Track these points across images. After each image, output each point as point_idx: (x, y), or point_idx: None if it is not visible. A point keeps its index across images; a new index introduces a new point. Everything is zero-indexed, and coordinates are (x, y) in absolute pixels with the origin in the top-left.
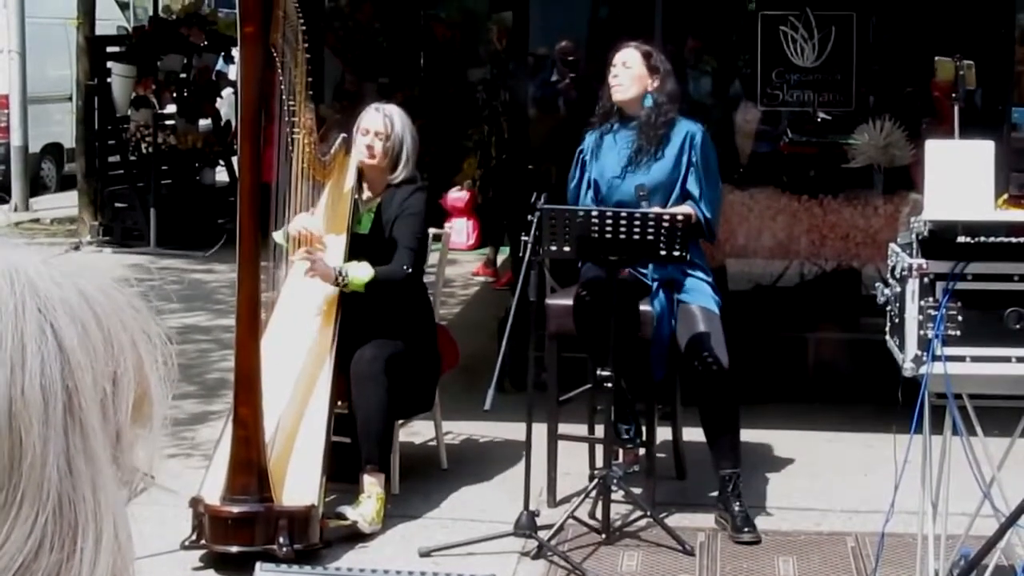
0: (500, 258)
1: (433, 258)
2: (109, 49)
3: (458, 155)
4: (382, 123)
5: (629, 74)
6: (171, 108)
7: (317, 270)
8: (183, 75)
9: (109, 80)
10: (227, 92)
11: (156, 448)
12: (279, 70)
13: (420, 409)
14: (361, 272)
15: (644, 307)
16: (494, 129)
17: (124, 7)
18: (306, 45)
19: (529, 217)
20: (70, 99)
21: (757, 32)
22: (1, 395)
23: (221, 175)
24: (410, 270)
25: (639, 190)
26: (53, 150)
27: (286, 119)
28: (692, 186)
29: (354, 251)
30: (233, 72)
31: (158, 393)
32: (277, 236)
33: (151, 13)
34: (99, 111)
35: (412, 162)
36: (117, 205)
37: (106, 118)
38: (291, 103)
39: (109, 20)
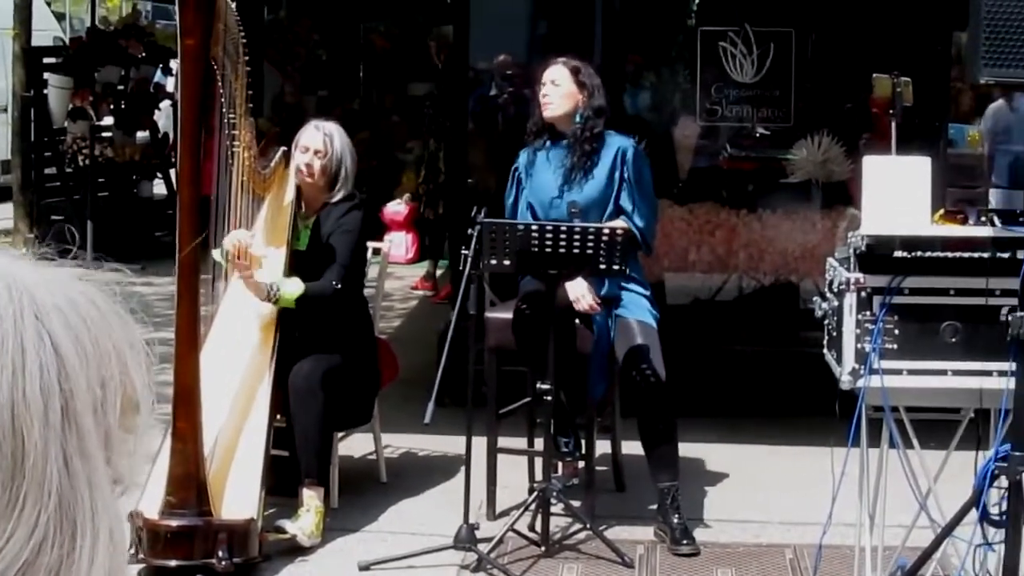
0: (439, 272)
1: (372, 272)
2: (46, 60)
3: (397, 169)
4: (321, 142)
5: (558, 91)
6: (108, 120)
7: (249, 285)
8: (121, 87)
9: (46, 91)
10: (165, 104)
11: (140, 451)
12: (219, 83)
13: (359, 422)
14: (291, 287)
15: (582, 321)
16: (435, 143)
17: (60, 18)
18: (247, 58)
19: (469, 231)
20: (5, 110)
21: (697, 48)
22: (4, 397)
23: (159, 188)
24: (339, 286)
25: (571, 207)
26: None
27: (226, 132)
28: (625, 201)
29: (293, 267)
30: (171, 84)
31: (142, 398)
32: (216, 254)
33: (88, 24)
34: (35, 123)
35: (351, 180)
36: (53, 217)
37: (43, 130)
38: (231, 116)
39: (45, 31)
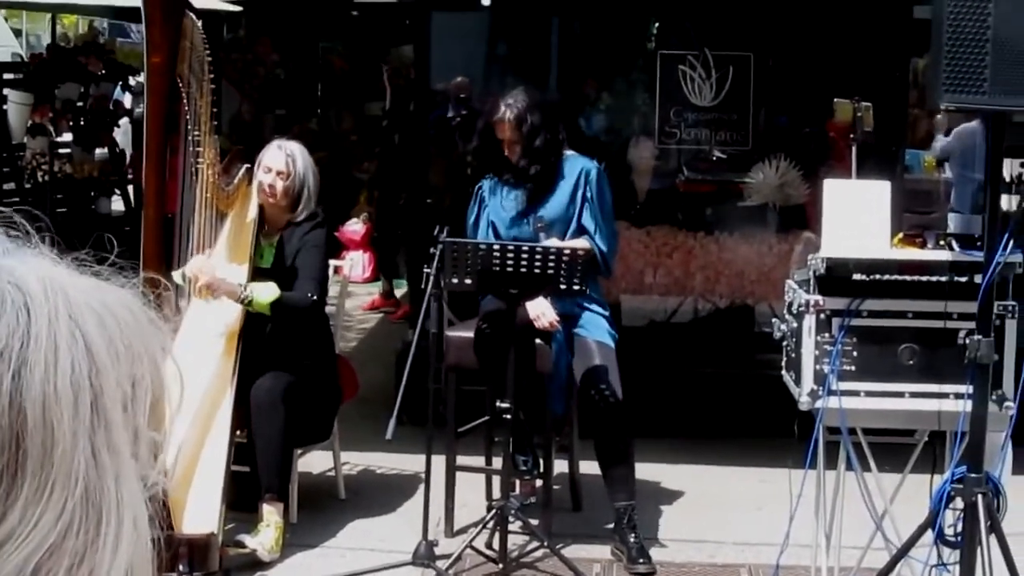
0: (398, 292)
1: (333, 290)
2: (5, 76)
3: (354, 188)
4: (284, 162)
5: (512, 144)
6: (67, 136)
7: (221, 289)
8: (80, 103)
9: (5, 107)
10: (124, 121)
11: (165, 451)
12: (184, 100)
13: (318, 438)
14: (266, 292)
15: (542, 341)
16: (392, 163)
17: (17, 34)
18: (212, 76)
19: (431, 250)
20: None
21: (656, 71)
22: (37, 390)
23: (117, 204)
24: (315, 297)
25: (537, 222)
26: None
27: (191, 149)
28: (587, 221)
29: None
30: (130, 101)
31: (170, 400)
32: (176, 276)
33: (47, 40)
34: None
35: (313, 199)
36: (11, 233)
37: (1, 145)
38: (196, 133)
39: (4, 46)
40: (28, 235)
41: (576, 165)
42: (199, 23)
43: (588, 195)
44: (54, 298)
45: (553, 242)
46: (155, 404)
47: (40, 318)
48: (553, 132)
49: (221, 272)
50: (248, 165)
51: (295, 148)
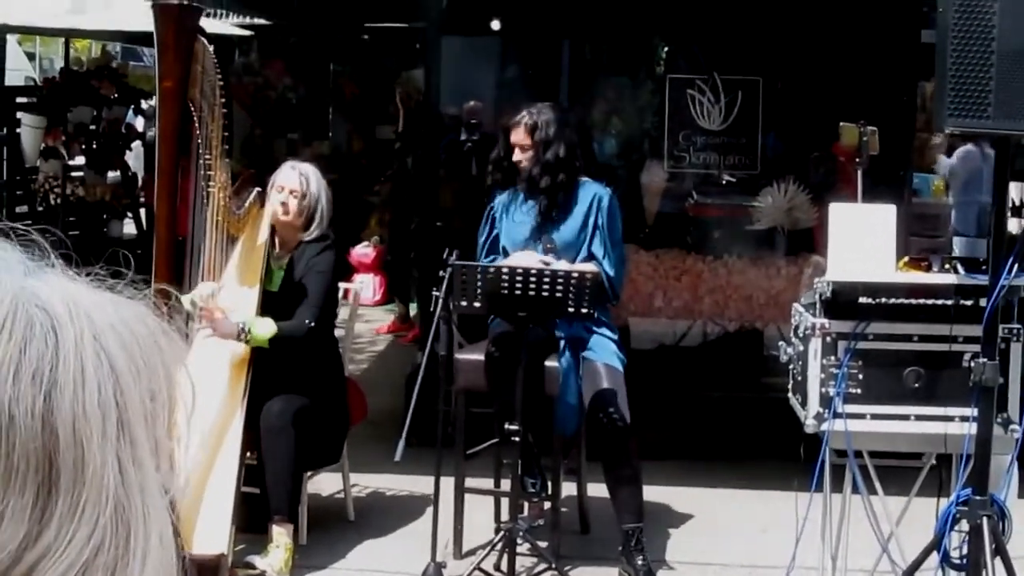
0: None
1: (343, 313)
2: (19, 99)
3: (365, 211)
4: (297, 182)
5: (524, 154)
6: (80, 160)
7: (220, 330)
8: (93, 127)
9: (18, 130)
10: (136, 144)
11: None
12: (196, 124)
13: (328, 461)
14: (264, 328)
15: (551, 363)
16: (405, 186)
17: (31, 57)
18: (223, 100)
19: (441, 273)
20: None
21: (665, 95)
22: (67, 411)
23: (129, 227)
24: (312, 324)
25: (546, 243)
26: None
27: (202, 173)
28: (597, 247)
29: (265, 309)
30: (142, 124)
31: (186, 412)
32: (185, 302)
33: (60, 64)
34: (7, 161)
35: (326, 220)
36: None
37: (15, 168)
38: (207, 157)
39: (18, 70)
40: (45, 253)
41: (589, 191)
42: (211, 47)
43: (599, 222)
44: (79, 320)
45: (562, 265)
46: (171, 417)
47: (67, 341)
48: (569, 151)
49: (230, 296)
50: (259, 189)
51: (309, 169)
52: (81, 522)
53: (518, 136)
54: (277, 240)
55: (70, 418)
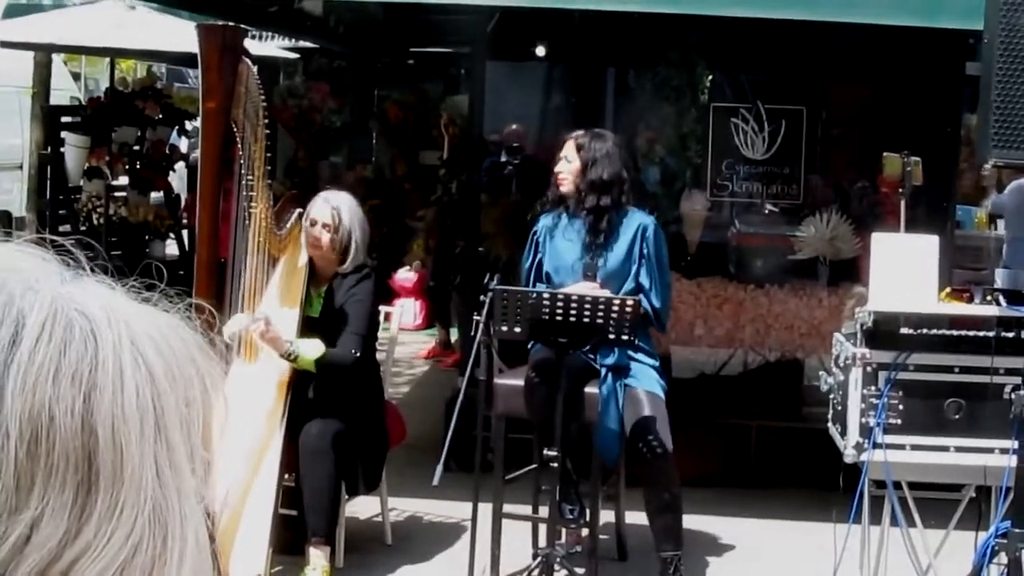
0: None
1: (383, 336)
2: (64, 119)
3: (407, 236)
4: (330, 215)
5: (570, 168)
6: (123, 180)
7: (270, 335)
8: (136, 147)
9: (62, 150)
10: (179, 166)
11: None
12: (239, 145)
13: (368, 485)
14: (311, 350)
15: (590, 390)
16: (449, 211)
17: (76, 77)
18: (266, 121)
19: (481, 298)
20: (20, 167)
21: (709, 124)
22: (106, 413)
23: (171, 248)
24: (359, 354)
25: (587, 269)
26: (1, 218)
27: (244, 194)
28: (644, 278)
29: (305, 333)
30: (186, 145)
31: (220, 422)
32: (225, 332)
33: (105, 84)
34: (52, 181)
35: (362, 252)
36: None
37: (58, 188)
38: (249, 178)
39: (63, 90)
40: (83, 264)
41: (634, 220)
42: (255, 68)
43: (645, 251)
44: (117, 326)
45: (603, 291)
46: (205, 424)
47: (106, 344)
48: (615, 177)
49: (270, 316)
50: (301, 210)
51: (342, 201)
52: (120, 521)
53: (566, 150)
54: (315, 268)
55: (109, 419)
